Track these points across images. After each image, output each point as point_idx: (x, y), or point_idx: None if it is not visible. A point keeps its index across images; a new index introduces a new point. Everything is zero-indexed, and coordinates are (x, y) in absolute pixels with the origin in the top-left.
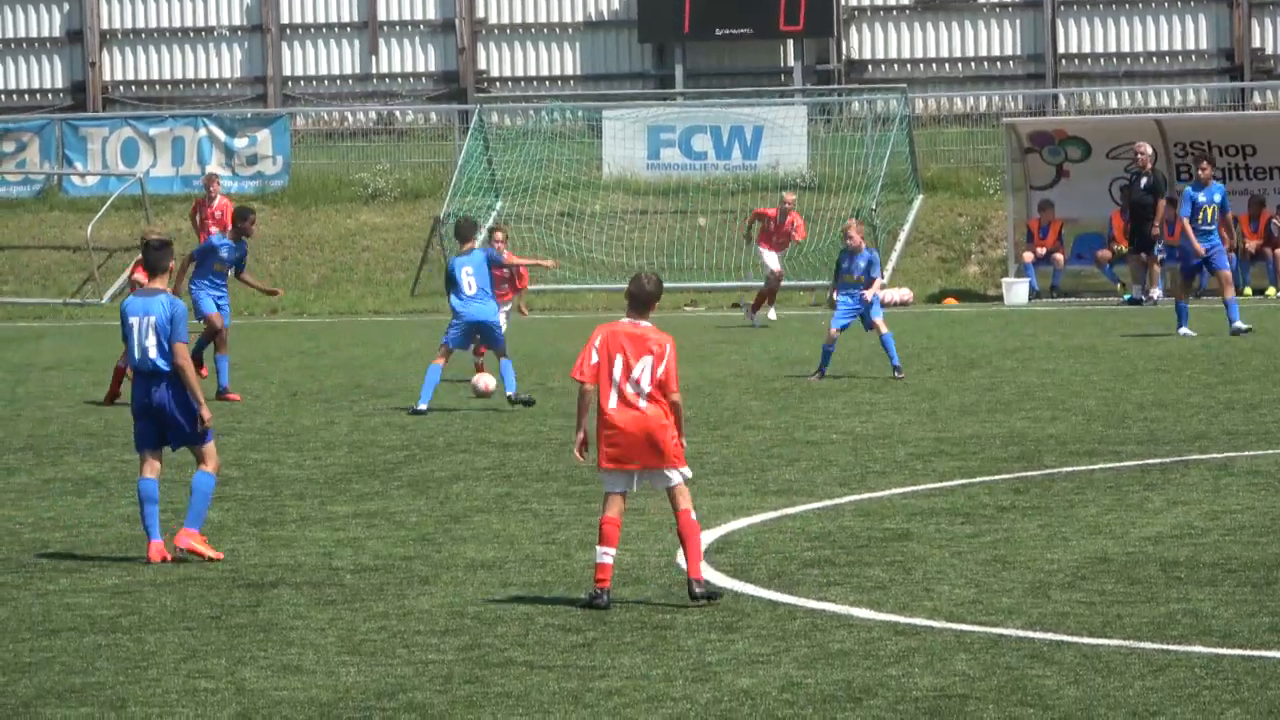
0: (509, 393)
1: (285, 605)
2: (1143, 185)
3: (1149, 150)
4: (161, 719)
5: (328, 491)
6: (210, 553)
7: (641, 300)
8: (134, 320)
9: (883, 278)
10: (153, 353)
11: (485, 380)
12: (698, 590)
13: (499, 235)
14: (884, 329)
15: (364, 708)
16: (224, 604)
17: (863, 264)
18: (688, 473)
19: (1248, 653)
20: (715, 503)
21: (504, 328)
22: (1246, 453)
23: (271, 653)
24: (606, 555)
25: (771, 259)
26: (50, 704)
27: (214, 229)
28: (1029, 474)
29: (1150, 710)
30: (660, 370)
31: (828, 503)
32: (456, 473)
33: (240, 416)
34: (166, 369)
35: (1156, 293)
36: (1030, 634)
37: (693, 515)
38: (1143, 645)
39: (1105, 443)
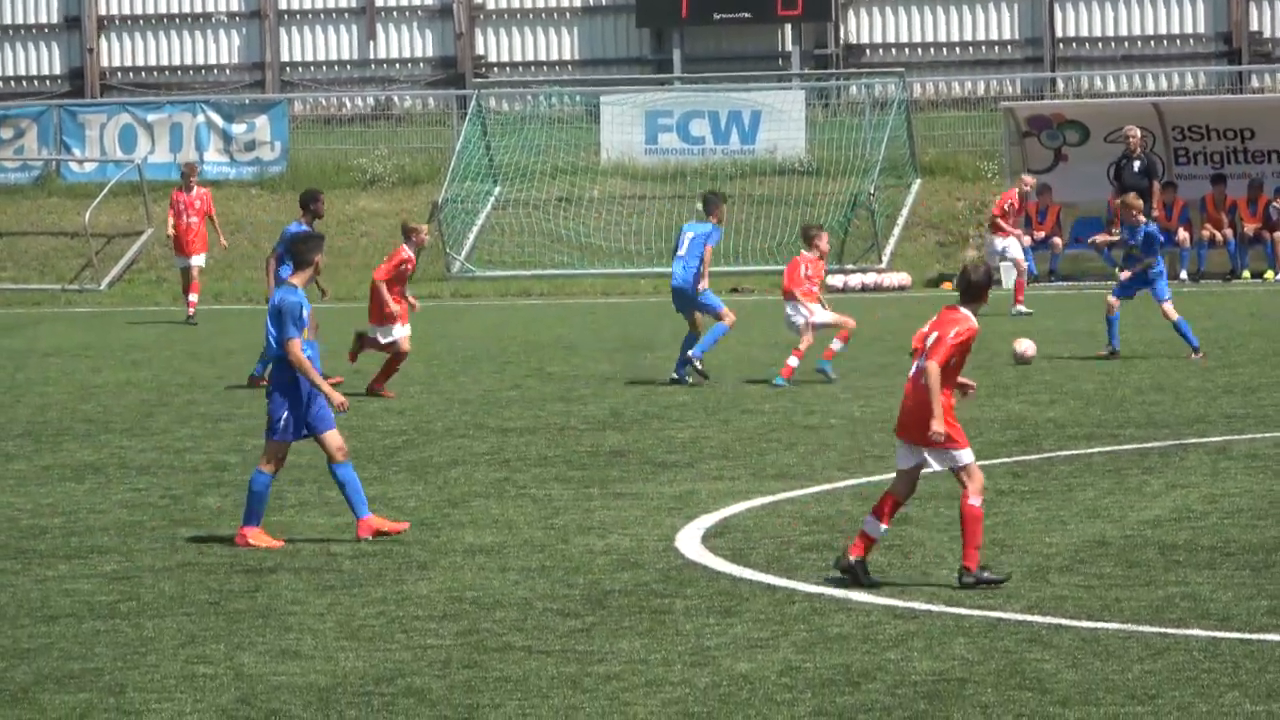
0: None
1: (284, 590)
2: (1136, 169)
3: (1138, 133)
4: (160, 704)
5: (326, 477)
6: (396, 527)
7: (968, 291)
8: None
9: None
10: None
11: None
12: (966, 579)
13: (422, 233)
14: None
15: (362, 692)
16: (223, 589)
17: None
18: (963, 456)
19: (1246, 636)
20: (714, 487)
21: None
22: (1245, 436)
23: (270, 638)
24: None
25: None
26: (49, 689)
27: (194, 218)
28: (1027, 458)
29: (1149, 693)
30: (931, 339)
31: (826, 487)
32: (455, 458)
33: (239, 402)
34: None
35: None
36: (1029, 617)
37: (971, 501)
38: (1141, 628)
39: (1103, 426)
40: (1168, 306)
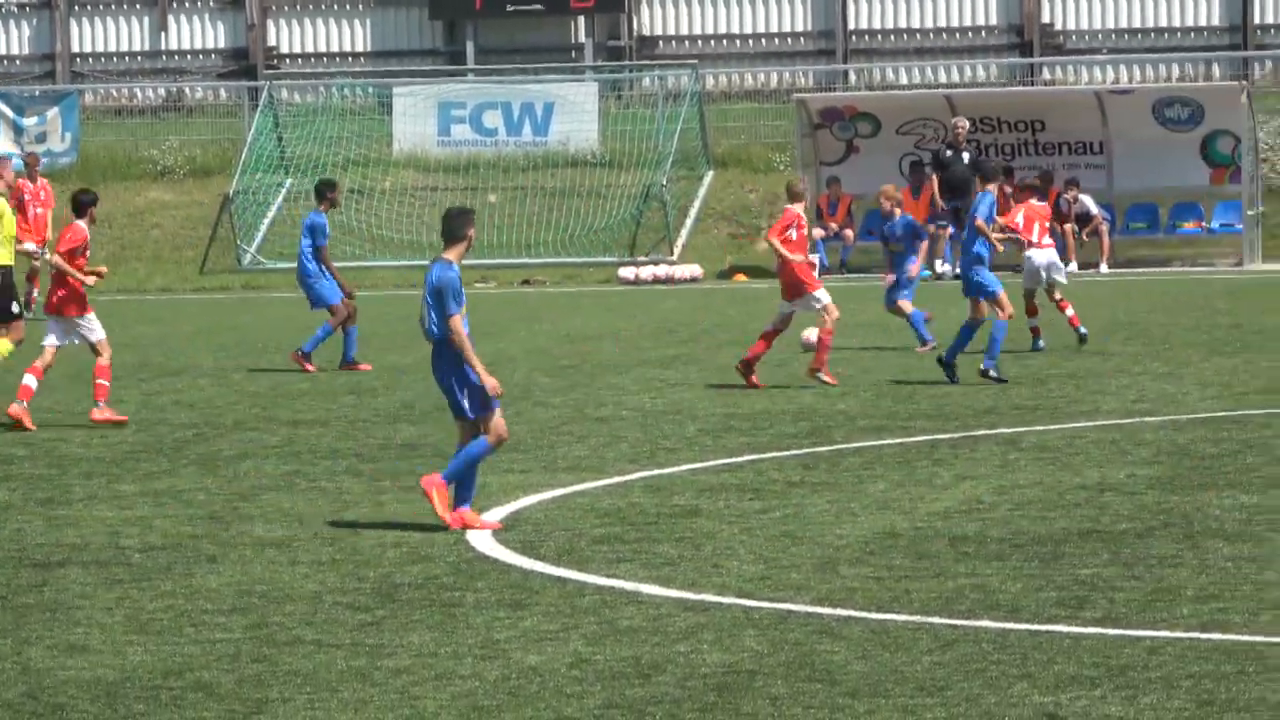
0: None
1: (72, 584)
2: (965, 159)
3: (966, 124)
4: None
5: (115, 470)
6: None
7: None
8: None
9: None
10: (427, 322)
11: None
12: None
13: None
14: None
15: (151, 687)
16: (10, 584)
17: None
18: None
19: (1035, 627)
20: (505, 480)
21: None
22: (1035, 428)
23: (58, 632)
24: None
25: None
26: None
27: (39, 209)
28: (818, 450)
29: (938, 685)
30: None
31: (617, 479)
32: (245, 450)
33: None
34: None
35: (945, 266)
36: (818, 609)
37: None
38: (930, 620)
39: (894, 418)
40: (905, 302)
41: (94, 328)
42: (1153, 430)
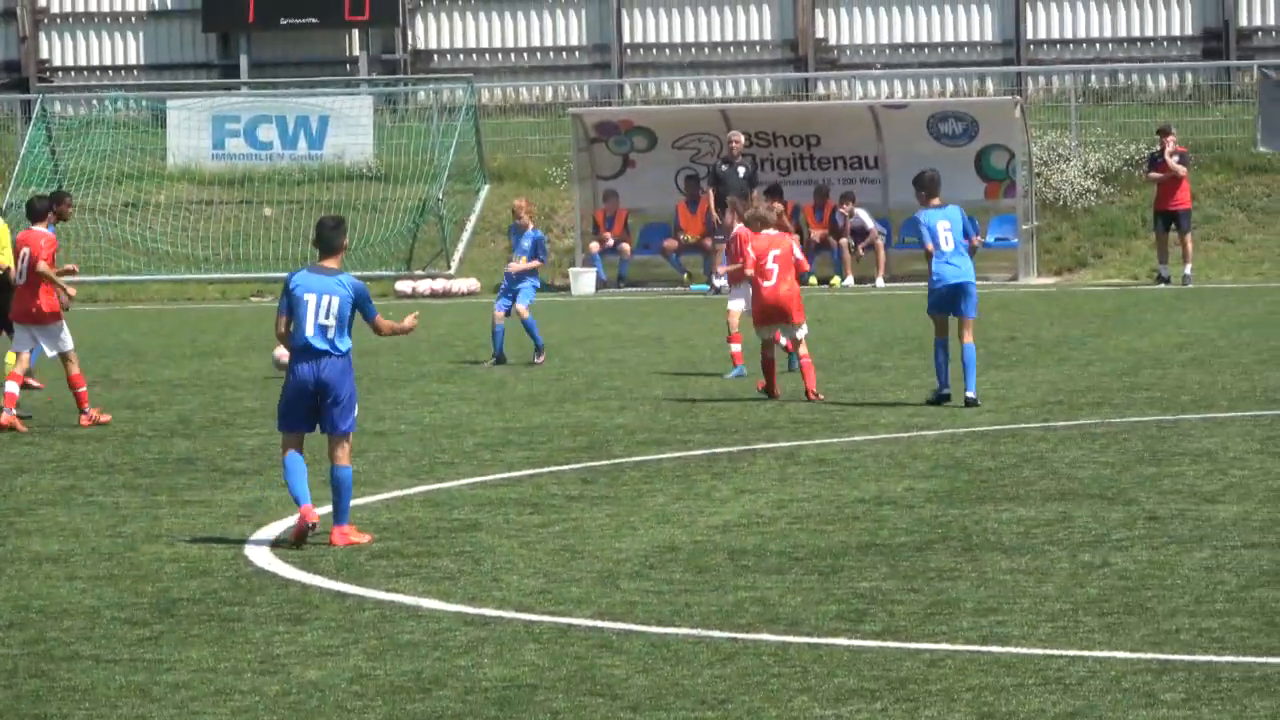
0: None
1: None
2: (741, 174)
3: (742, 138)
4: None
5: None
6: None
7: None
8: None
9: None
10: (331, 332)
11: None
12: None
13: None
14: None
15: None
16: None
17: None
18: None
19: (814, 640)
20: (282, 494)
21: None
22: (813, 441)
23: None
24: None
25: None
26: None
27: None
28: (597, 463)
29: (719, 698)
30: None
31: (396, 493)
32: (20, 465)
33: None
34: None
35: (721, 281)
36: (599, 623)
37: None
38: (711, 633)
39: (673, 432)
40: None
41: (66, 337)
42: (930, 444)
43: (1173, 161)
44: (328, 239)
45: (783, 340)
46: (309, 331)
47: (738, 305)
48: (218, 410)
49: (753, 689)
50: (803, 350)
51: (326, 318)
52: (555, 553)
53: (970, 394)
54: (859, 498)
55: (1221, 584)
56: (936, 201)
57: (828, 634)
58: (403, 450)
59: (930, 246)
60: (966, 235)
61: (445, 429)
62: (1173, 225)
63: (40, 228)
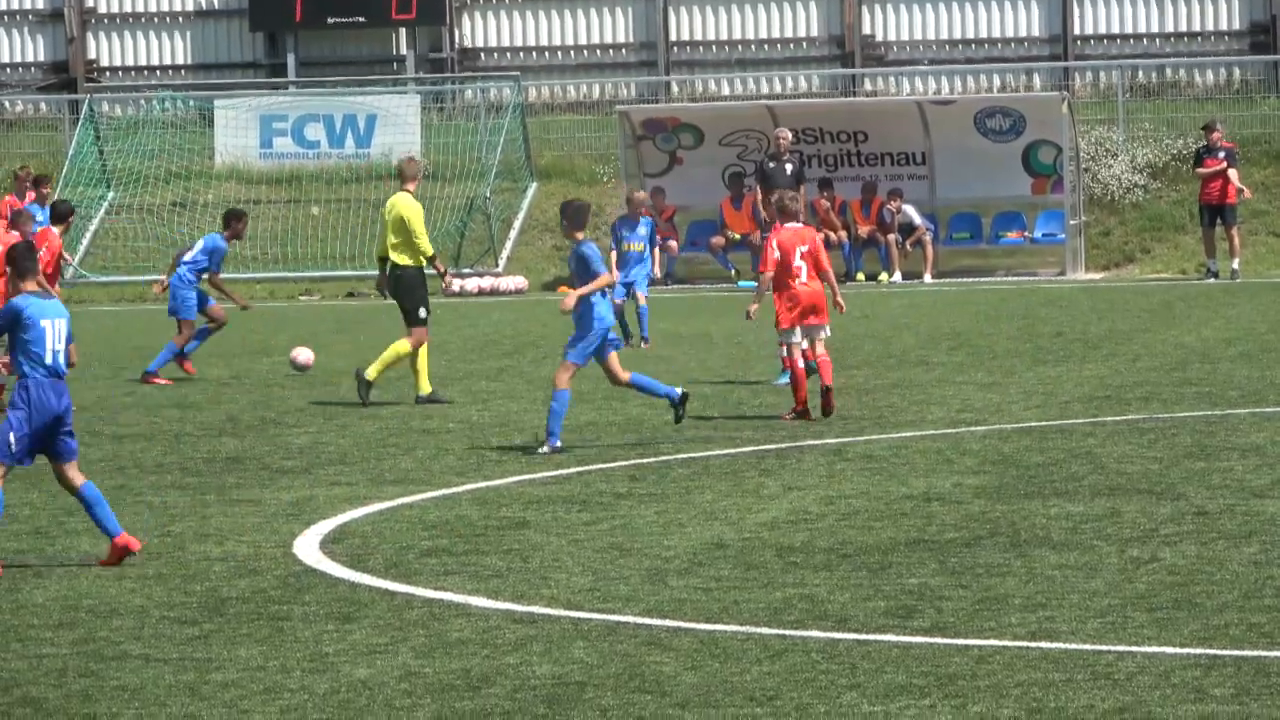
0: None
1: None
2: (789, 170)
3: (789, 135)
4: None
5: None
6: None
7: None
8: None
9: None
10: (62, 357)
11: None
12: None
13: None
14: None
15: None
16: None
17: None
18: None
19: (863, 636)
20: (331, 493)
21: None
22: (861, 438)
23: None
24: None
25: None
26: None
27: None
28: (645, 461)
29: (767, 695)
30: None
31: (445, 491)
32: None
33: None
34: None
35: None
36: (648, 620)
37: None
38: (759, 630)
39: (721, 429)
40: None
41: None
42: (978, 440)
43: (1219, 156)
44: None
45: (804, 345)
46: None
47: None
48: (266, 409)
49: (801, 685)
50: (821, 349)
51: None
52: (603, 550)
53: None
54: (907, 494)
55: (1271, 579)
56: (580, 235)
57: (876, 630)
58: (451, 448)
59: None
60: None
61: (494, 427)
62: (1219, 220)
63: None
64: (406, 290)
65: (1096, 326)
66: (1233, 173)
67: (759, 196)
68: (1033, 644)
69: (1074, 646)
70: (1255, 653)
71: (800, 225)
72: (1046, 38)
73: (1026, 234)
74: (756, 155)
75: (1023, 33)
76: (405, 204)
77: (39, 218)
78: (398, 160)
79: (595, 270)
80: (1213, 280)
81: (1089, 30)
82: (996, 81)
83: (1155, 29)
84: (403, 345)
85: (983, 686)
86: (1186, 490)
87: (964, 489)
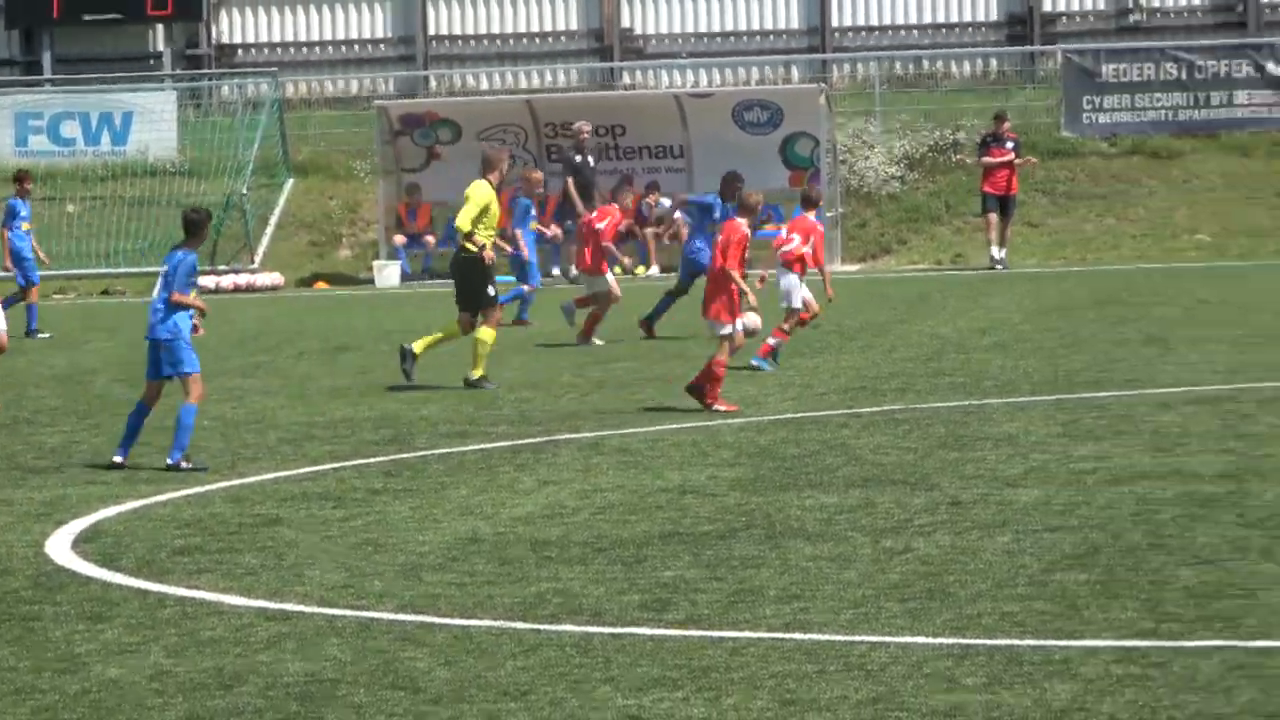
0: None
1: None
2: (593, 162)
3: (589, 128)
4: None
5: None
6: None
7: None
8: None
9: None
10: None
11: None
12: None
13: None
14: None
15: None
16: None
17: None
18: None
19: (617, 630)
20: (85, 491)
21: None
22: (617, 431)
23: None
24: None
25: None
26: None
27: None
28: (401, 456)
29: (521, 689)
30: None
31: (198, 489)
32: None
33: None
34: None
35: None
36: (402, 616)
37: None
38: (514, 625)
39: (476, 424)
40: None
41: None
42: (733, 432)
43: (1008, 147)
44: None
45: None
46: None
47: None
48: (18, 409)
49: (555, 680)
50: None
51: None
52: (357, 546)
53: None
54: (662, 487)
55: (1023, 568)
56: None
57: (630, 624)
58: (205, 446)
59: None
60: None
61: (248, 423)
62: (1000, 209)
63: None
64: (466, 274)
65: (853, 318)
66: (1019, 162)
67: (572, 188)
68: (787, 635)
69: (827, 637)
70: (1007, 641)
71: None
72: (805, 30)
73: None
74: (517, 150)
75: (781, 25)
76: (471, 189)
77: None
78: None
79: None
80: (1001, 270)
81: (847, 22)
82: (755, 74)
83: (913, 20)
84: (453, 327)
85: (737, 679)
86: (940, 480)
87: (719, 481)
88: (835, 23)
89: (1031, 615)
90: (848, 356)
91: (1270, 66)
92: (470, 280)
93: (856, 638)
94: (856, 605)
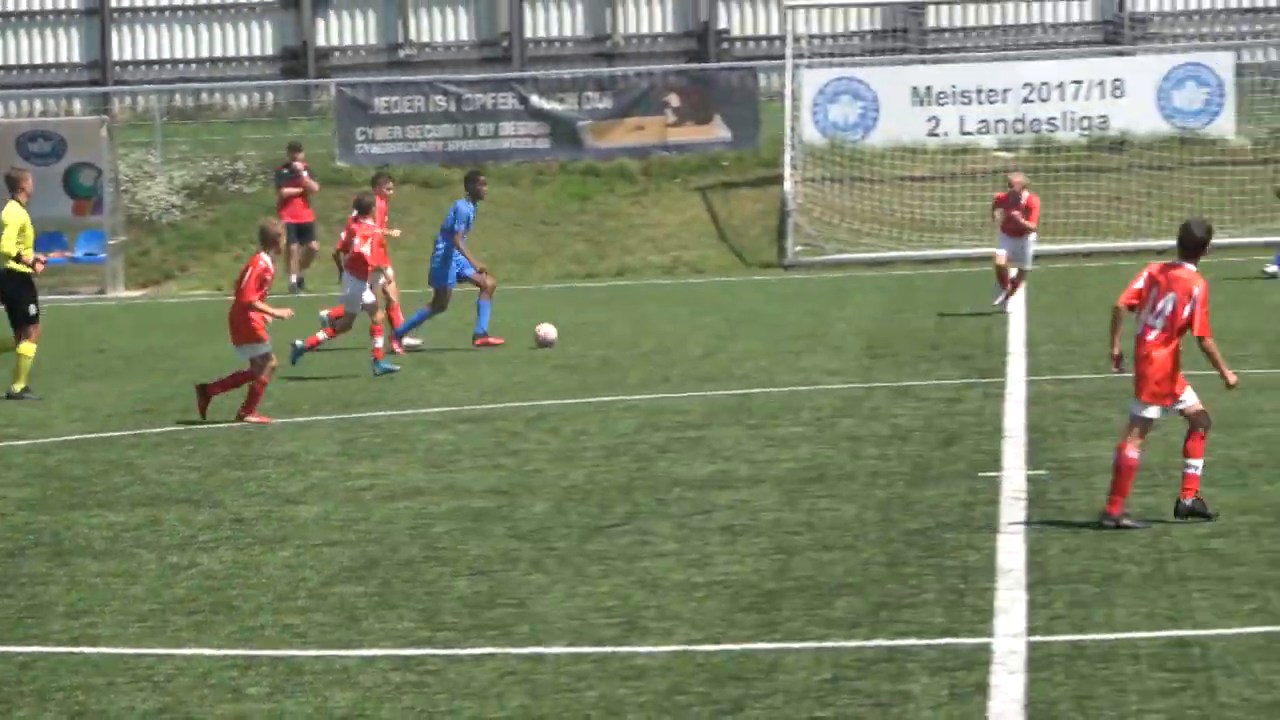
0: None
1: None
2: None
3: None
4: None
5: None
6: None
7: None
8: None
9: None
10: None
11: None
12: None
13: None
14: None
15: None
16: None
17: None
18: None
19: None
20: None
21: None
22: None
23: None
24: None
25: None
26: None
27: None
28: None
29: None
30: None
31: None
32: None
33: None
34: None
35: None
36: None
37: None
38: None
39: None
40: None
41: None
42: (21, 453)
43: (306, 176)
44: None
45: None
46: None
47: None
48: None
49: None
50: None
51: None
52: None
53: None
54: None
55: (304, 581)
56: None
57: None
58: None
59: None
60: None
61: None
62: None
63: None
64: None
65: (136, 343)
66: (315, 185)
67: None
68: (75, 649)
69: (115, 651)
70: (289, 652)
71: None
72: (86, 63)
73: (68, 254)
74: None
75: (64, 59)
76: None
77: None
78: None
79: None
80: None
81: (128, 56)
82: (39, 106)
83: (191, 54)
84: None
85: (27, 692)
86: (224, 498)
87: (8, 501)
88: (116, 56)
89: (313, 626)
90: (133, 380)
91: (534, 99)
92: (21, 298)
93: (144, 650)
94: (143, 619)
